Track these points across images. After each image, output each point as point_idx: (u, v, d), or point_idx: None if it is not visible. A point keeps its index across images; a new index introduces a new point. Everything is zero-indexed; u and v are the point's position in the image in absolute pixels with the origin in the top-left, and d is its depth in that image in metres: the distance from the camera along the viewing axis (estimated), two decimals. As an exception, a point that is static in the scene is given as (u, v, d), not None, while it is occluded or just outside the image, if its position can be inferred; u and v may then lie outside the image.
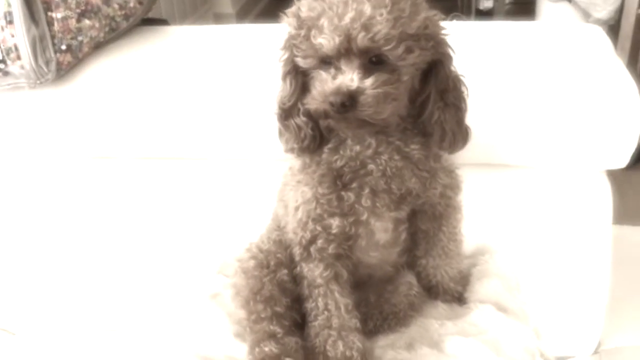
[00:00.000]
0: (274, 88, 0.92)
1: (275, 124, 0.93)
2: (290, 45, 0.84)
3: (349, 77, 0.78)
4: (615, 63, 1.11)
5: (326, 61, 0.81)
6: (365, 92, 0.77)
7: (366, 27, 0.76)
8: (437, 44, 0.84)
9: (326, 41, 0.78)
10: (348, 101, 0.77)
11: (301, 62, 0.83)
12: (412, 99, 0.87)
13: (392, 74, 0.80)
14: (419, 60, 0.82)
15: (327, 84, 0.79)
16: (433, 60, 0.85)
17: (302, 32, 0.81)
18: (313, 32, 0.79)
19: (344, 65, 0.79)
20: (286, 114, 0.89)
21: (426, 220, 1.00)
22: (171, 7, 3.14)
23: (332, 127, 0.87)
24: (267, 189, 1.10)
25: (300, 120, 0.88)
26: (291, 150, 0.91)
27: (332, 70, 0.80)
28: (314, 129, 0.88)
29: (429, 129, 0.88)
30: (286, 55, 0.86)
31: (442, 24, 0.85)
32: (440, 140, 0.88)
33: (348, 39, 0.77)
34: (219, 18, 3.83)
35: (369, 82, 0.78)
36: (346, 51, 0.78)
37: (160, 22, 1.53)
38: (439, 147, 0.90)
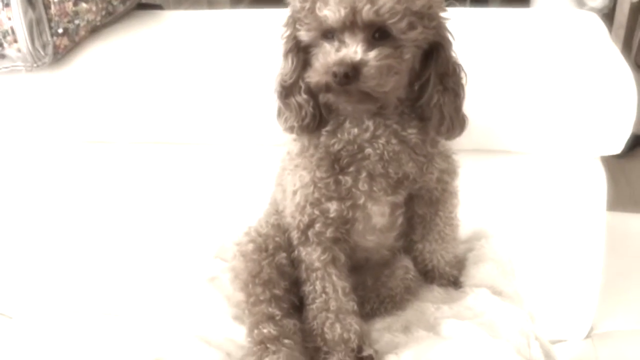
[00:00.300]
0: (270, 72, 0.92)
1: (272, 107, 0.93)
2: (293, 21, 0.85)
3: (353, 50, 0.78)
4: (611, 50, 1.12)
5: (329, 36, 0.81)
6: (368, 63, 0.78)
7: (372, 0, 0.77)
8: (439, 25, 0.85)
9: (331, 13, 0.78)
10: (351, 72, 0.77)
11: (304, 36, 0.83)
12: (411, 82, 0.87)
13: (395, 50, 0.80)
14: (421, 38, 0.82)
15: (330, 56, 0.79)
16: (434, 42, 0.85)
17: (307, 5, 0.81)
18: (318, 4, 0.79)
19: (347, 39, 0.79)
20: (287, 91, 0.89)
21: (423, 205, 1.01)
22: (165, -8, 3.12)
23: (331, 104, 0.87)
24: (264, 174, 1.11)
25: (302, 98, 0.88)
26: (290, 129, 0.91)
27: (336, 43, 0.80)
28: (315, 107, 0.88)
29: (427, 112, 0.89)
30: (288, 32, 0.86)
31: (444, 8, 0.85)
32: (438, 124, 0.89)
33: (353, 11, 0.77)
34: (213, 3, 3.80)
35: (372, 54, 0.78)
36: (351, 24, 0.79)
37: (155, 6, 1.53)
38: (437, 131, 0.90)
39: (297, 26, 0.84)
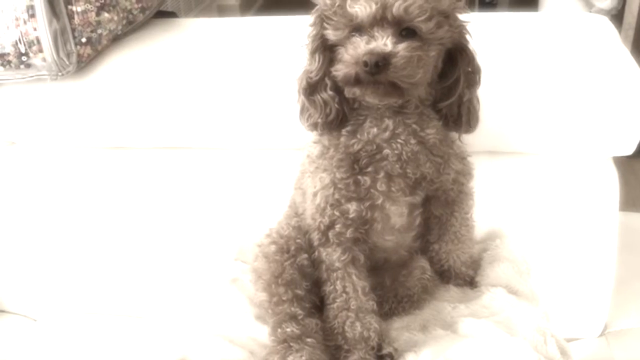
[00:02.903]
0: (288, 77, 0.95)
1: (291, 111, 0.96)
2: (321, 20, 0.88)
3: (383, 42, 0.81)
4: (621, 52, 1.14)
5: (355, 34, 0.84)
6: (398, 54, 0.80)
7: None
8: (462, 26, 0.88)
9: (362, 8, 0.81)
10: (382, 61, 0.80)
11: (331, 34, 0.86)
12: (433, 81, 0.91)
13: (422, 45, 0.83)
14: (447, 37, 0.85)
15: (360, 47, 0.82)
16: (457, 42, 0.89)
17: (337, 2, 0.84)
18: (349, 1, 0.82)
19: (377, 33, 0.82)
20: (312, 88, 0.92)
21: (439, 206, 1.03)
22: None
23: (357, 99, 0.90)
24: (282, 177, 1.13)
25: (327, 94, 0.91)
26: (314, 125, 0.93)
27: (365, 37, 0.83)
28: (340, 103, 0.91)
29: (452, 110, 0.92)
30: (315, 31, 0.89)
31: (466, 10, 0.89)
32: (467, 120, 0.93)
33: (384, 7, 0.81)
34: (222, 10, 3.84)
35: (401, 45, 0.81)
36: (380, 19, 0.82)
37: (170, 14, 1.57)
38: (466, 127, 0.94)
39: (325, 24, 0.87)
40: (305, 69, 0.93)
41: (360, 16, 0.82)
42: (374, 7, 0.81)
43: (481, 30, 0.92)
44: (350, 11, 0.83)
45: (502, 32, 1.22)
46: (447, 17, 0.84)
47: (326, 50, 0.89)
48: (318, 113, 0.92)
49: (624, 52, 1.14)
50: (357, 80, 0.83)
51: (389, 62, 0.80)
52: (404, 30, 0.83)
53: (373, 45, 0.81)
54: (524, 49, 1.16)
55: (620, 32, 1.81)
